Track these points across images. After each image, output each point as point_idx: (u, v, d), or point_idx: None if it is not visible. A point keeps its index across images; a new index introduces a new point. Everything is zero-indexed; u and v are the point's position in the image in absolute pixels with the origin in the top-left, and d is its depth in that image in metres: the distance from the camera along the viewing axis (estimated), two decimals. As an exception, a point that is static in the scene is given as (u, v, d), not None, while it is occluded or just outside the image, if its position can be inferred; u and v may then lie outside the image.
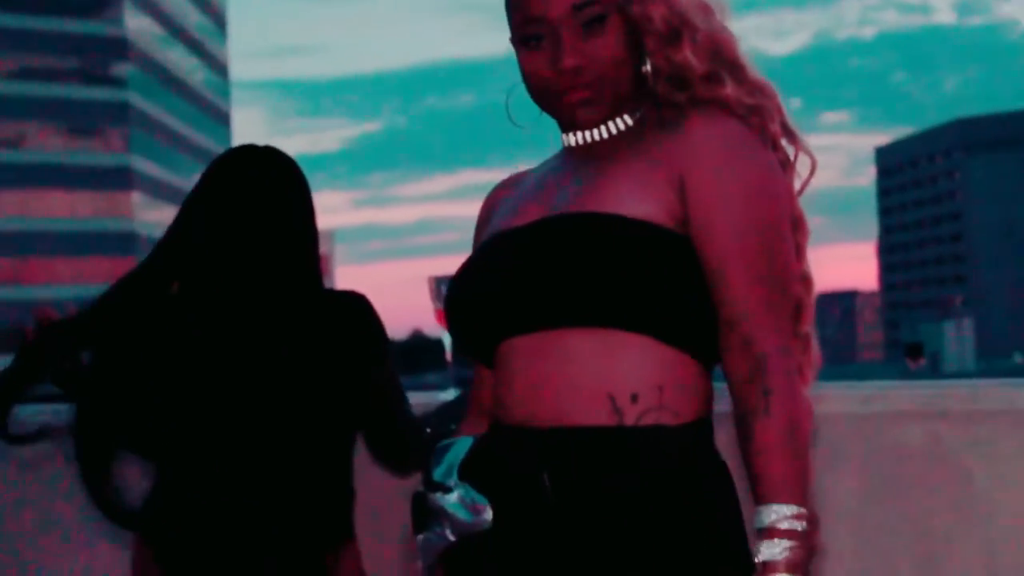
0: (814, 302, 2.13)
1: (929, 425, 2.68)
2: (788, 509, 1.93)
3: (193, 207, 2.89)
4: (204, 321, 2.83)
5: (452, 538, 2.10)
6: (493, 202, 2.34)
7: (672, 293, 1.99)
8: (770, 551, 1.92)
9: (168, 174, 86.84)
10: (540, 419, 2.03)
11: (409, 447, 2.95)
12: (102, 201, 79.77)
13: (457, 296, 2.17)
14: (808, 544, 1.94)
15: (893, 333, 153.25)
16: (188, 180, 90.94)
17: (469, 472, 2.10)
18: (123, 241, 79.52)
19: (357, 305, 2.90)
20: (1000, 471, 2.83)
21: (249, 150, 2.93)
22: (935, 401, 2.85)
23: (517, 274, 2.05)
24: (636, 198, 2.01)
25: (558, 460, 2.00)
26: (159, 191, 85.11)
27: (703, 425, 2.05)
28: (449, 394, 3.31)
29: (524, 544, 2.03)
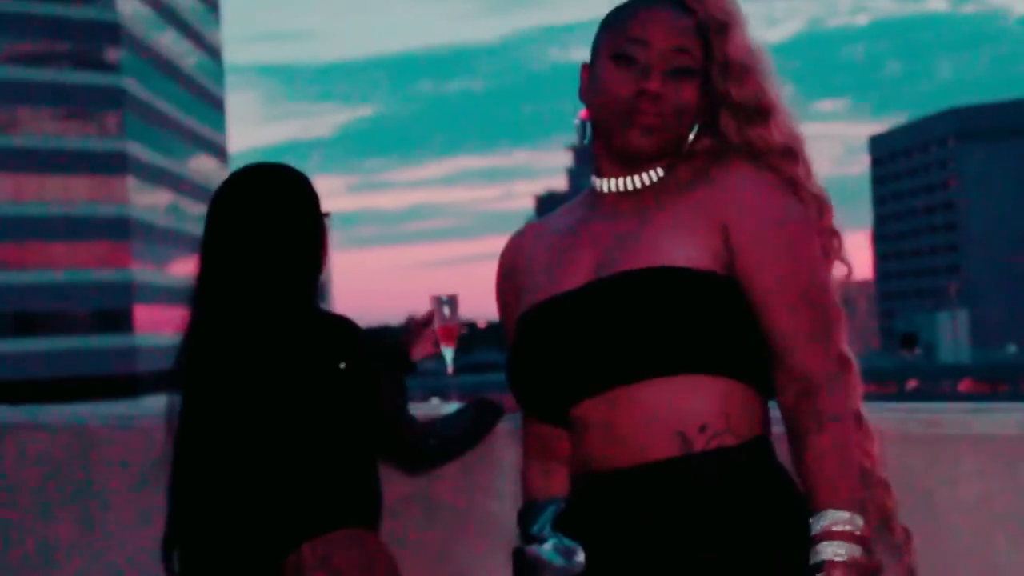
0: (846, 327, 2.31)
1: (893, 448, 2.76)
2: (845, 514, 2.10)
3: (205, 231, 3.03)
4: (197, 342, 3.03)
5: None
6: (517, 254, 2.44)
7: (727, 332, 2.16)
8: (832, 551, 2.09)
9: (162, 159, 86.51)
10: (620, 463, 2.21)
11: (413, 452, 3.12)
12: (96, 186, 79.49)
13: (524, 365, 2.31)
14: (866, 548, 2.13)
15: (887, 322, 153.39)
16: (182, 164, 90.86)
17: (561, 523, 2.31)
18: (117, 226, 79.28)
19: (343, 328, 2.98)
20: (959, 494, 2.92)
21: (255, 171, 3.01)
22: (899, 425, 2.96)
23: (585, 339, 2.20)
24: (683, 247, 2.16)
25: (636, 494, 2.19)
26: (153, 176, 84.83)
27: (761, 441, 2.25)
28: (451, 407, 3.44)
29: (618, 572, 2.21)
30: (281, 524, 2.92)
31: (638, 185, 2.30)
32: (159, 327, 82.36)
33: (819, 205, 2.29)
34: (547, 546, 2.30)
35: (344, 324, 2.99)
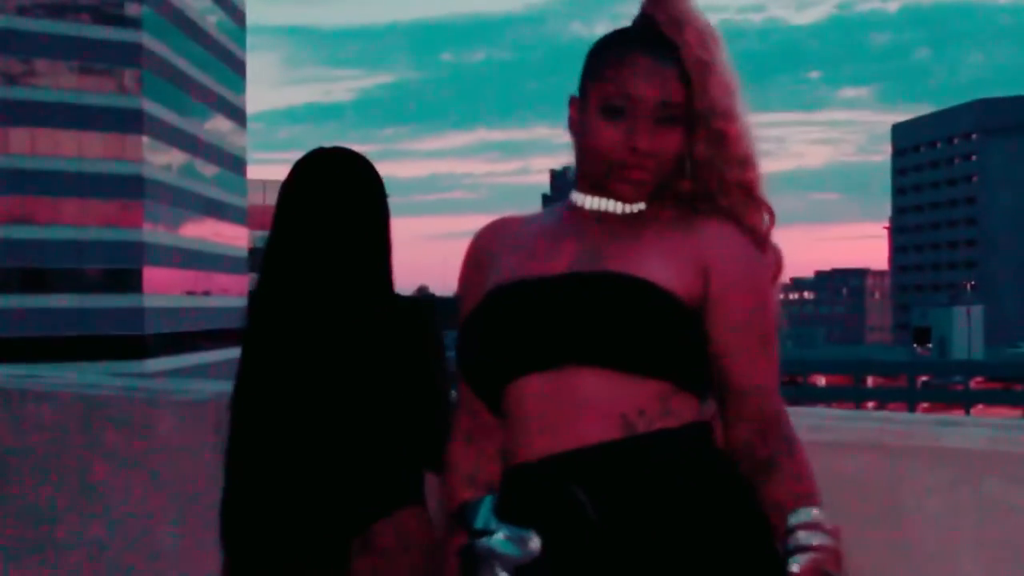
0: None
1: (864, 458, 2.94)
2: (821, 512, 2.25)
3: (278, 215, 3.07)
4: (276, 322, 3.04)
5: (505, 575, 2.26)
6: (489, 246, 2.52)
7: (680, 347, 2.28)
8: (817, 538, 2.21)
9: (178, 118, 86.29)
10: (562, 447, 2.25)
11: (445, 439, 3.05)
12: (111, 143, 79.30)
13: (478, 333, 2.38)
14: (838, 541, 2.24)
15: (902, 315, 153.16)
16: (198, 125, 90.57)
17: (506, 513, 2.30)
18: (131, 184, 79.12)
19: (420, 311, 3.03)
20: (926, 505, 3.02)
21: (327, 158, 3.07)
22: (870, 435, 3.08)
23: (542, 317, 2.30)
24: (664, 269, 2.30)
25: (586, 476, 2.23)
26: (168, 135, 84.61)
27: (702, 425, 2.35)
28: None
29: (578, 558, 2.23)
30: (351, 503, 2.95)
31: (620, 210, 2.42)
32: (168, 289, 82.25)
33: (776, 256, 2.44)
34: (498, 536, 2.26)
35: (421, 305, 3.04)
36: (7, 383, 4.74)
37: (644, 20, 2.40)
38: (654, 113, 2.32)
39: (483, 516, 2.31)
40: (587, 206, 2.43)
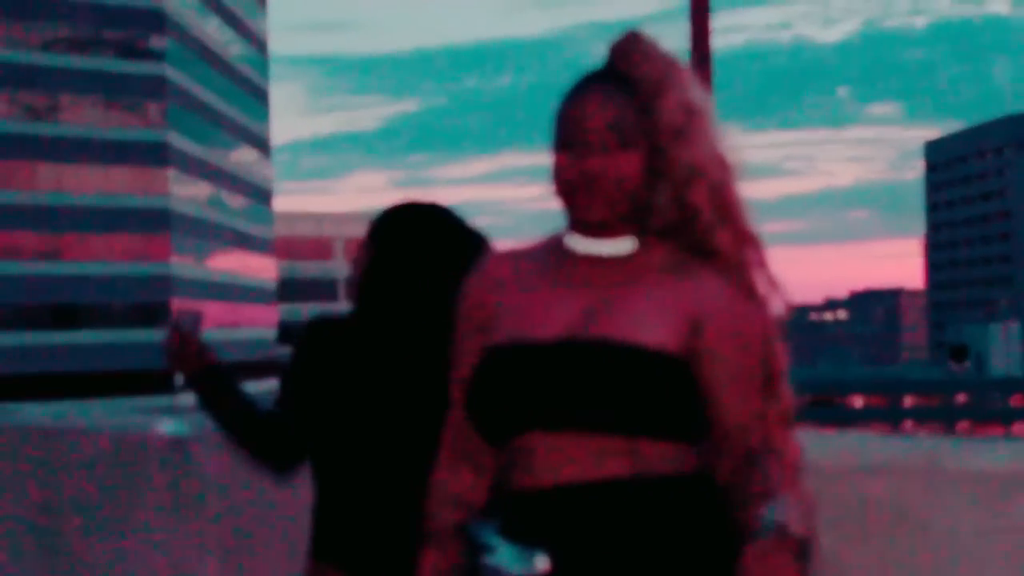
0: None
1: (892, 480, 3.01)
2: (794, 499, 2.30)
3: (373, 261, 3.24)
4: (373, 350, 3.17)
5: None
6: (489, 292, 2.57)
7: (681, 411, 2.36)
8: (787, 515, 2.24)
9: (203, 150, 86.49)
10: (569, 479, 2.35)
11: None
12: (137, 176, 79.54)
13: (487, 396, 2.44)
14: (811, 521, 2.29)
15: (937, 334, 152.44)
16: (224, 156, 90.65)
17: (511, 534, 2.36)
18: (157, 217, 79.33)
19: None
20: (956, 527, 3.03)
21: (416, 212, 3.25)
22: (899, 458, 3.11)
23: (550, 386, 2.38)
24: (655, 329, 2.38)
25: (592, 504, 2.34)
26: (194, 167, 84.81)
27: (707, 475, 2.43)
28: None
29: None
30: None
31: (611, 252, 2.47)
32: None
33: (775, 290, 2.47)
34: (504, 554, 2.33)
35: None
36: (49, 423, 4.99)
37: (604, 60, 2.50)
38: (602, 136, 2.38)
39: (489, 535, 2.36)
40: (579, 250, 2.48)
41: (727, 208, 2.45)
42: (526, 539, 2.36)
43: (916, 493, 3.09)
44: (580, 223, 2.46)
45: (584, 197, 2.42)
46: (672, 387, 2.37)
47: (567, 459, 2.38)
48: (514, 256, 2.63)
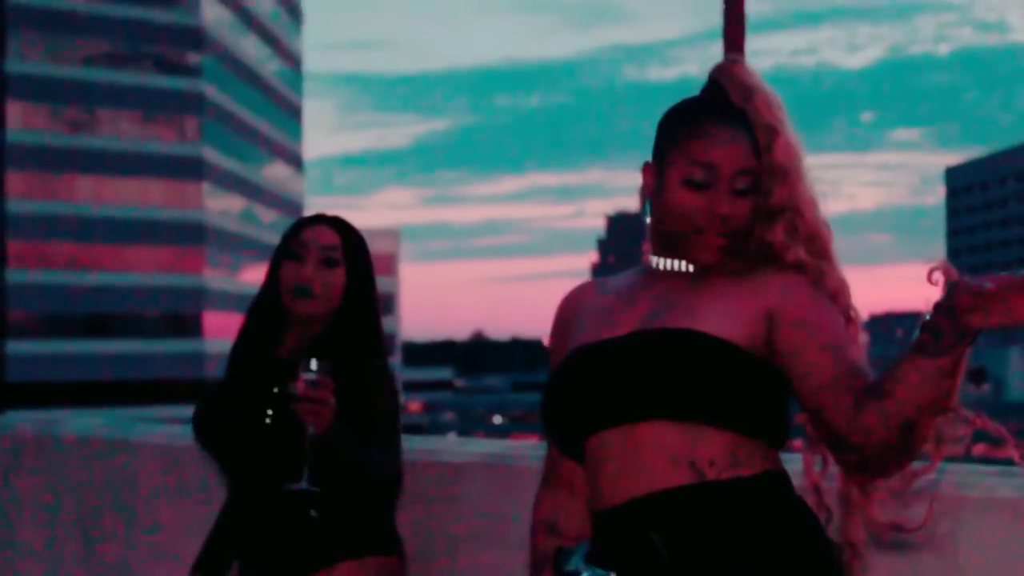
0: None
1: (920, 508, 2.77)
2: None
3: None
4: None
5: None
6: (573, 309, 2.65)
7: (744, 396, 2.36)
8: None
9: (237, 165, 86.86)
10: (636, 492, 2.37)
11: None
12: (172, 190, 79.82)
13: (554, 395, 2.51)
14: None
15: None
16: (257, 171, 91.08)
17: (593, 556, 2.41)
18: (191, 230, 79.64)
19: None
20: (984, 556, 3.04)
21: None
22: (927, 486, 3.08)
23: (612, 376, 2.40)
24: (724, 322, 2.38)
25: (657, 520, 2.34)
26: (228, 182, 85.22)
27: (776, 474, 2.43)
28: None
29: None
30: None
31: (690, 268, 2.51)
32: (228, 334, 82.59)
33: (843, 288, 2.48)
34: None
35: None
36: (96, 433, 4.91)
37: (713, 89, 2.54)
38: (732, 181, 2.42)
39: (574, 561, 2.42)
40: (661, 267, 2.53)
41: (816, 243, 2.47)
42: (603, 561, 2.40)
43: (943, 521, 2.99)
44: (694, 261, 2.49)
45: (709, 238, 2.44)
46: (736, 375, 2.35)
47: (632, 467, 2.38)
48: (599, 281, 2.71)
